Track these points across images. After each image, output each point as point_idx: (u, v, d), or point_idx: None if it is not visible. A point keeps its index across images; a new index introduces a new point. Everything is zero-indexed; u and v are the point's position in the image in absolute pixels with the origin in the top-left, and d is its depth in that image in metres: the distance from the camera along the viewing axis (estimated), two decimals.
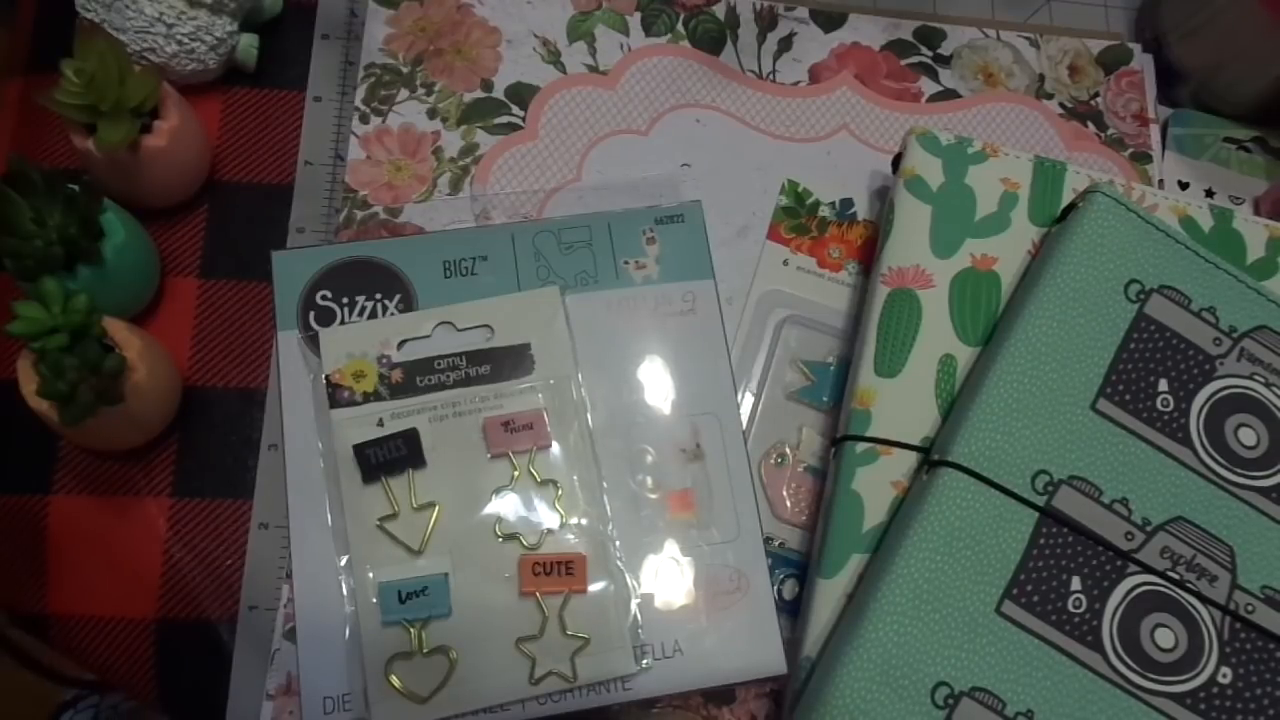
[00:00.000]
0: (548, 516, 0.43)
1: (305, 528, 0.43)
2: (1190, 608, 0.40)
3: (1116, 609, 0.40)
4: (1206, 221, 0.48)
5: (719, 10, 0.56)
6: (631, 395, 0.46)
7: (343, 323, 0.45)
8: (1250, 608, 0.40)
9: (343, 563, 0.42)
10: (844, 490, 0.43)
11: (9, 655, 0.45)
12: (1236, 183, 0.57)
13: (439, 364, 0.45)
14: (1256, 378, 0.43)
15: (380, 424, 0.44)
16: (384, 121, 0.51)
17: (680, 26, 0.55)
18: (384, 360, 0.45)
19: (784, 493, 0.47)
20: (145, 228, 0.46)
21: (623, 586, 0.43)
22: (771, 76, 0.55)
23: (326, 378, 0.44)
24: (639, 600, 0.43)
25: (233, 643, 0.44)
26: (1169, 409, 0.42)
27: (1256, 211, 0.56)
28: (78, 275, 0.42)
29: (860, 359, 0.45)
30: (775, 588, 0.45)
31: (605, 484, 0.44)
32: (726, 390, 0.47)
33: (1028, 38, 0.58)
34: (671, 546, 0.44)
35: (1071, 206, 0.46)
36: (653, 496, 0.45)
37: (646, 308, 0.47)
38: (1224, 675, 0.39)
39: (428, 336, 0.45)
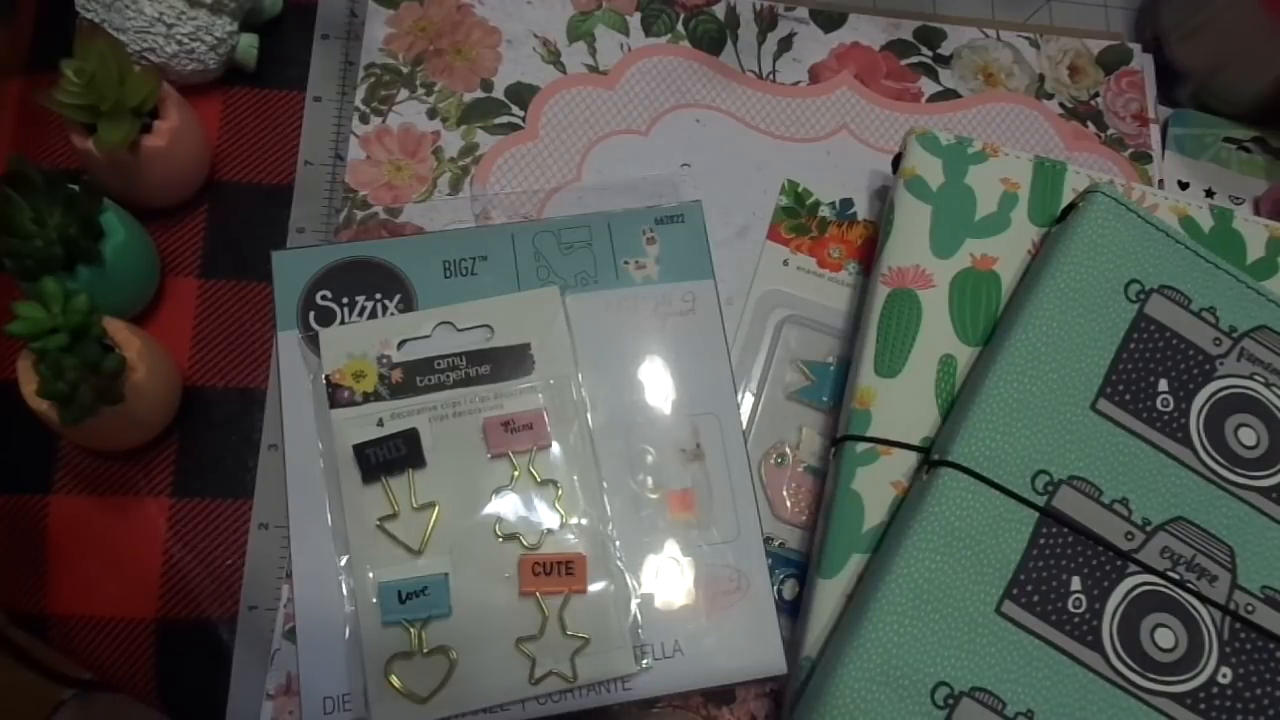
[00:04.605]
0: (548, 516, 0.43)
1: (305, 528, 0.43)
2: (1190, 608, 0.40)
3: (1116, 609, 0.40)
4: (1206, 221, 0.48)
5: (719, 10, 0.56)
6: (631, 395, 0.46)
7: (343, 323, 0.45)
8: (1250, 608, 0.40)
9: (343, 563, 0.42)
10: (844, 490, 0.43)
11: (9, 655, 0.45)
12: (1236, 183, 0.57)
13: (439, 364, 0.45)
14: (1256, 378, 0.43)
15: (380, 424, 0.44)
16: (384, 121, 0.51)
17: (680, 26, 0.55)
18: (384, 360, 0.45)
19: (784, 493, 0.47)
20: (145, 228, 0.46)
21: (623, 586, 0.43)
22: (771, 76, 0.55)
23: (326, 378, 0.44)
24: (639, 600, 0.43)
25: (233, 643, 0.44)
26: (1169, 409, 0.42)
27: (1256, 211, 0.56)
28: (78, 275, 0.42)
29: (860, 359, 0.45)
30: (775, 588, 0.45)
31: (605, 484, 0.44)
32: (726, 390, 0.47)
33: (1028, 38, 0.58)
34: (671, 546, 0.44)
35: (1071, 206, 0.46)
36: (653, 496, 0.45)
37: (646, 308, 0.47)
38: (1224, 675, 0.39)
39: (428, 336, 0.45)
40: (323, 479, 0.43)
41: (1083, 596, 0.39)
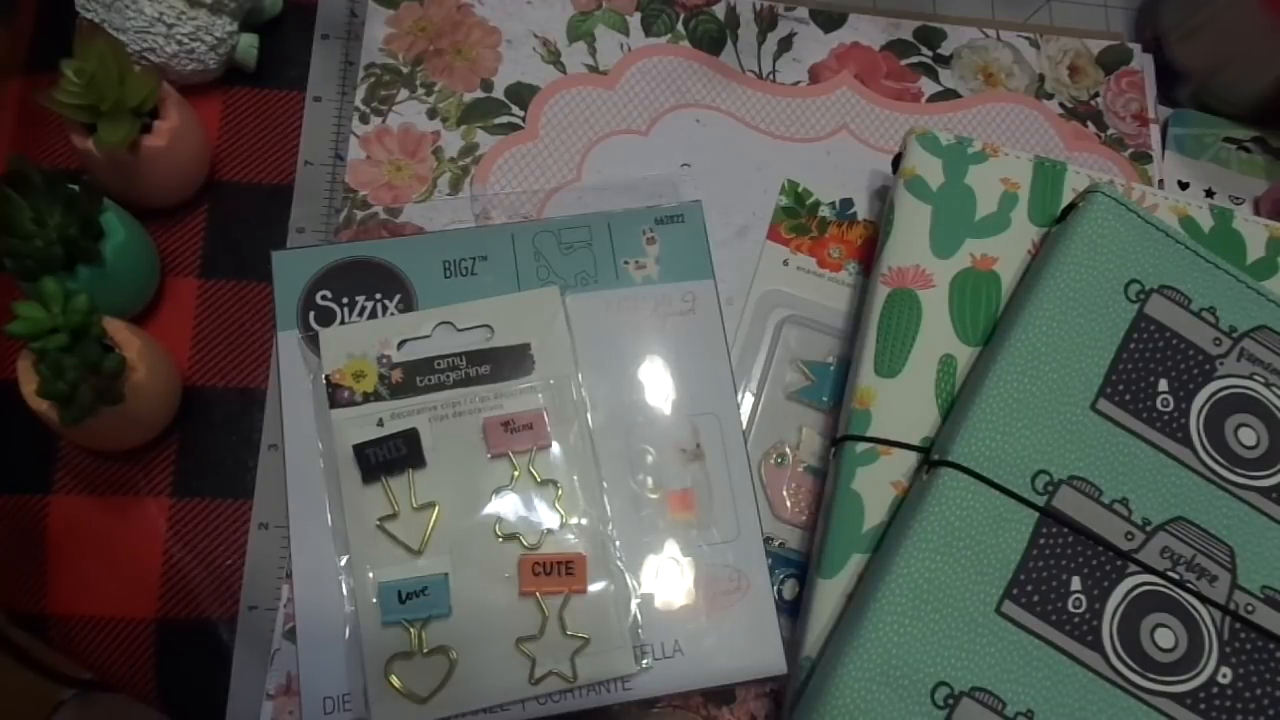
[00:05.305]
0: (548, 516, 0.43)
1: (305, 528, 0.43)
2: (1190, 608, 0.40)
3: (1116, 609, 0.40)
4: (1206, 221, 0.48)
5: (719, 10, 0.56)
6: (631, 395, 0.46)
7: (343, 323, 0.45)
8: (1250, 608, 0.40)
9: (343, 563, 0.42)
10: (844, 490, 0.43)
11: (9, 655, 0.45)
12: (1236, 183, 0.57)
13: (439, 364, 0.45)
14: (1256, 378, 0.43)
15: (380, 424, 0.44)
16: (384, 121, 0.51)
17: (680, 26, 0.55)
18: (384, 360, 0.45)
19: (784, 493, 0.47)
20: (145, 228, 0.46)
21: (623, 586, 0.43)
22: (771, 76, 0.55)
23: (326, 378, 0.44)
24: (639, 600, 0.43)
25: (233, 643, 0.44)
26: (1169, 409, 0.42)
27: (1256, 211, 0.56)
28: (78, 275, 0.42)
29: (860, 359, 0.45)
30: (775, 588, 0.45)
31: (605, 484, 0.44)
32: (726, 390, 0.47)
33: (1028, 38, 0.58)
34: (671, 546, 0.44)
35: (1071, 206, 0.46)
36: (653, 496, 0.45)
37: (646, 308, 0.47)
38: (1224, 675, 0.39)
39: (428, 336, 0.45)
40: (323, 479, 0.43)
41: (1083, 596, 0.39)
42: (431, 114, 0.52)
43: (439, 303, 0.46)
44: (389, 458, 0.43)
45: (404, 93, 0.52)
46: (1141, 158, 0.56)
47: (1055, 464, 0.41)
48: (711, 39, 0.55)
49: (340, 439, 0.43)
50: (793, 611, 0.45)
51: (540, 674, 0.41)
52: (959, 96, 0.56)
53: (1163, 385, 0.42)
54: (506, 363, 0.45)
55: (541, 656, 0.41)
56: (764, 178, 0.53)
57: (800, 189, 0.53)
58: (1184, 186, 0.56)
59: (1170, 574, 0.40)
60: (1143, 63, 0.58)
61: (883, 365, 0.45)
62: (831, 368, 0.49)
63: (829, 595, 0.42)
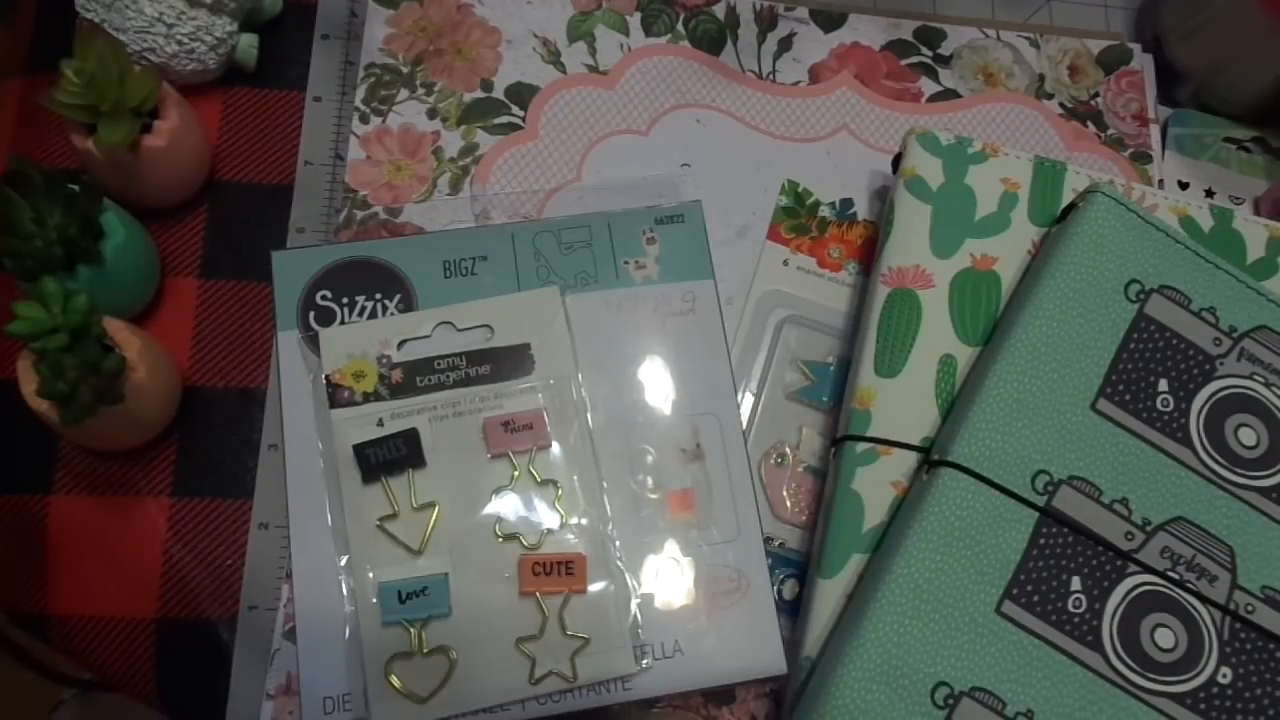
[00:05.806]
0: (548, 516, 0.43)
1: (305, 528, 0.43)
2: (1190, 608, 0.40)
3: (1116, 609, 0.40)
4: (1206, 221, 0.48)
5: (719, 10, 0.56)
6: (631, 395, 0.46)
7: (343, 323, 0.45)
8: (1250, 608, 0.40)
9: (343, 563, 0.42)
10: (844, 490, 0.43)
11: (9, 655, 0.45)
12: (1236, 183, 0.57)
13: (439, 364, 0.45)
14: (1256, 378, 0.43)
15: (380, 424, 0.44)
16: (384, 121, 0.51)
17: (680, 26, 0.55)
18: (384, 360, 0.45)
19: (784, 493, 0.47)
20: (145, 228, 0.46)
21: (623, 586, 0.43)
22: (771, 76, 0.55)
23: (326, 378, 0.44)
24: (639, 600, 0.43)
25: (233, 643, 0.44)
26: (1169, 409, 0.42)
27: (1256, 211, 0.56)
28: (78, 275, 0.42)
29: (860, 359, 0.45)
30: (775, 588, 0.45)
31: (605, 484, 0.44)
32: (726, 390, 0.47)
33: (1028, 38, 0.58)
34: (671, 546, 0.44)
35: (1071, 206, 0.46)
36: (653, 496, 0.45)
37: (646, 308, 0.47)
38: (1224, 675, 0.39)
39: (428, 336, 0.45)
40: (323, 479, 0.43)
41: (1083, 596, 0.39)
42: (431, 114, 0.52)
43: (439, 303, 0.46)
44: (389, 458, 0.43)
45: (404, 93, 0.52)
46: (1141, 158, 0.56)
47: (1055, 464, 0.41)
48: (711, 39, 0.55)
49: (340, 439, 0.43)
50: (793, 611, 0.45)
51: (540, 674, 0.41)
52: (959, 96, 0.56)
53: (1163, 385, 0.42)
54: (506, 363, 0.45)
55: (541, 656, 0.41)
56: (764, 178, 0.53)
57: (800, 189, 0.53)
58: (1184, 186, 0.56)
59: (1170, 574, 0.40)
60: (1143, 63, 0.58)
61: (883, 365, 0.45)
62: (831, 368, 0.49)
63: (829, 595, 0.42)
